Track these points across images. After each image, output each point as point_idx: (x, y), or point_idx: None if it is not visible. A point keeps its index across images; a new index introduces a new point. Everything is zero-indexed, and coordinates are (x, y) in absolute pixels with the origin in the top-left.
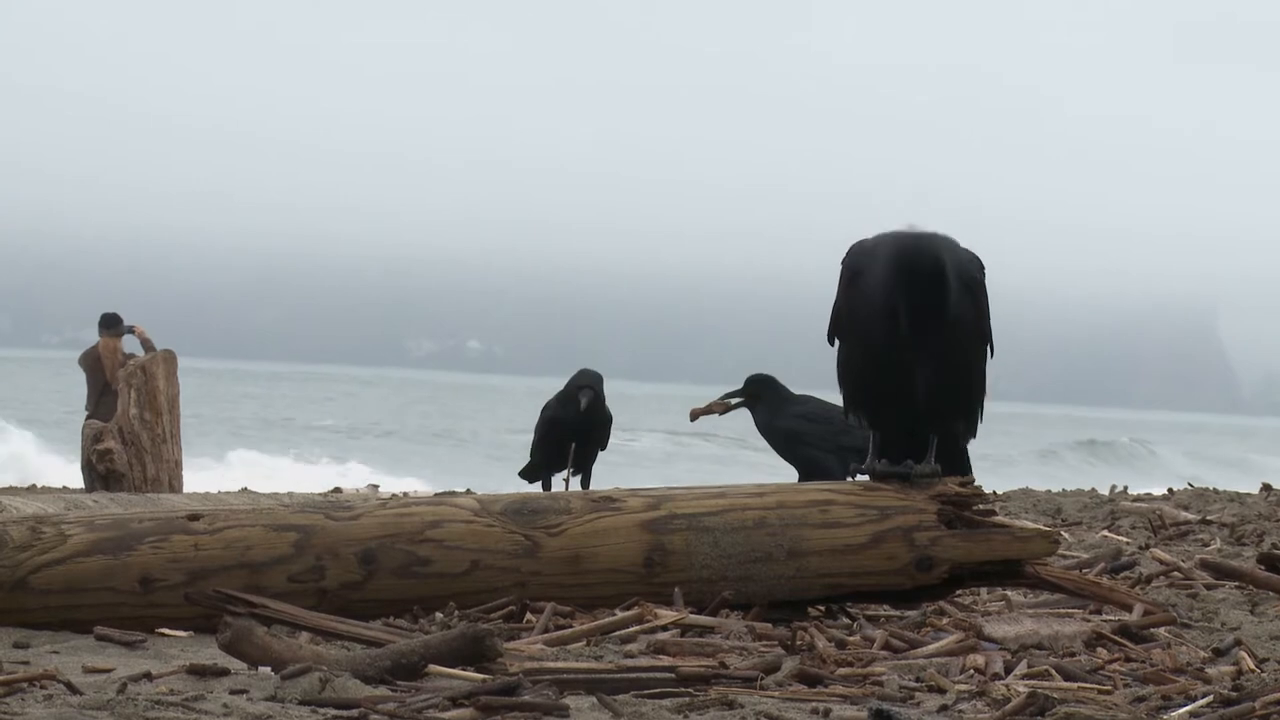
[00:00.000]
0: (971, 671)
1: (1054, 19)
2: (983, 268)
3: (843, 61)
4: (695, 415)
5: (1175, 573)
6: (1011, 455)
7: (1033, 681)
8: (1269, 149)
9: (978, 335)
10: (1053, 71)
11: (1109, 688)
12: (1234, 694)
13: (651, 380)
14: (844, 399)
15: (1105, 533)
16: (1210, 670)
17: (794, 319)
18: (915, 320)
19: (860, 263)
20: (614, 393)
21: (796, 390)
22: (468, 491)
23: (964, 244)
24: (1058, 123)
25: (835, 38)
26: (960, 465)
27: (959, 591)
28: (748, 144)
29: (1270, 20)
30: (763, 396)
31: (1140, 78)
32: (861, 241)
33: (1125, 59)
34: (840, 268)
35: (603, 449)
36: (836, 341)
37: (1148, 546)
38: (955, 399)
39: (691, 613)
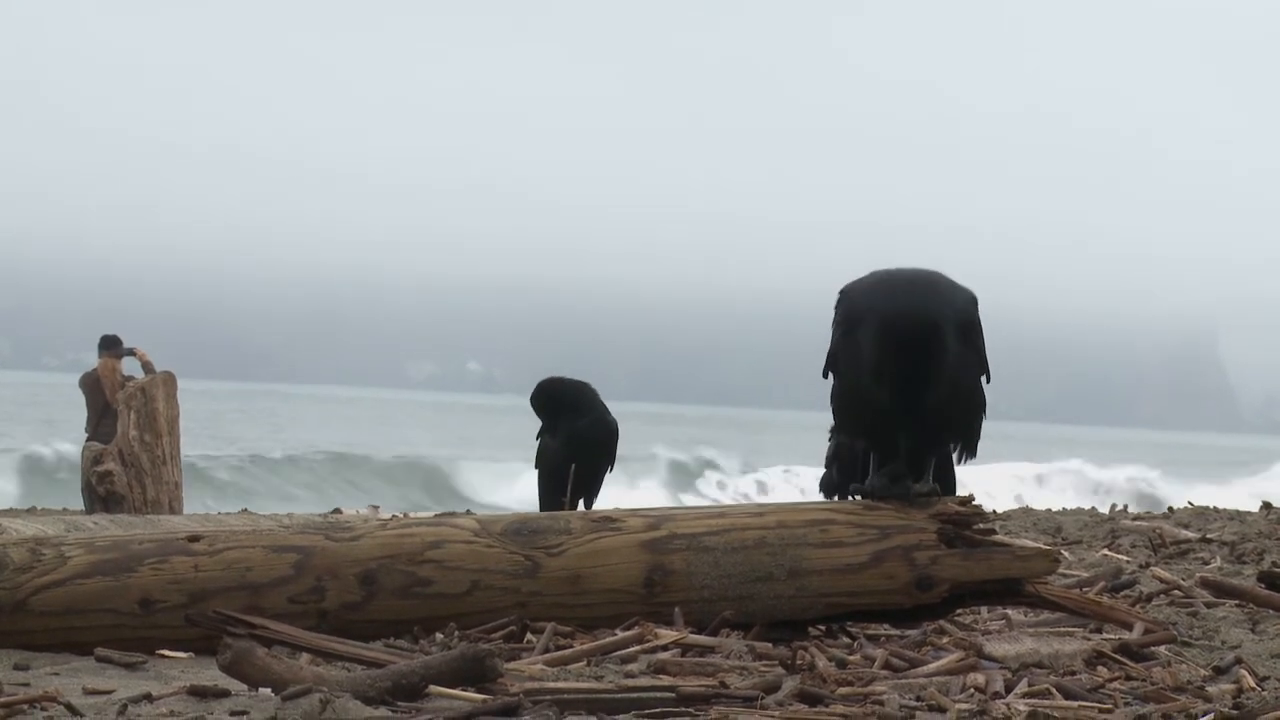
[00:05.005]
0: (972, 690)
1: (1059, 32)
2: (977, 303)
3: (868, 90)
4: None
5: (1176, 591)
6: None
7: (1033, 700)
8: (1269, 174)
9: (976, 372)
10: (1056, 87)
11: (1109, 706)
12: (1235, 712)
13: (653, 401)
14: (839, 426)
15: (1105, 551)
16: (1211, 688)
17: (794, 340)
18: (906, 395)
19: (853, 315)
20: (614, 412)
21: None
22: (468, 512)
23: (960, 263)
24: (1063, 142)
25: (864, 54)
26: (947, 484)
27: (959, 610)
28: (748, 169)
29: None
30: None
31: (1145, 95)
32: (854, 284)
33: (1127, 71)
34: (834, 310)
35: (610, 468)
36: (830, 374)
37: (1148, 565)
38: (954, 426)
39: (692, 632)
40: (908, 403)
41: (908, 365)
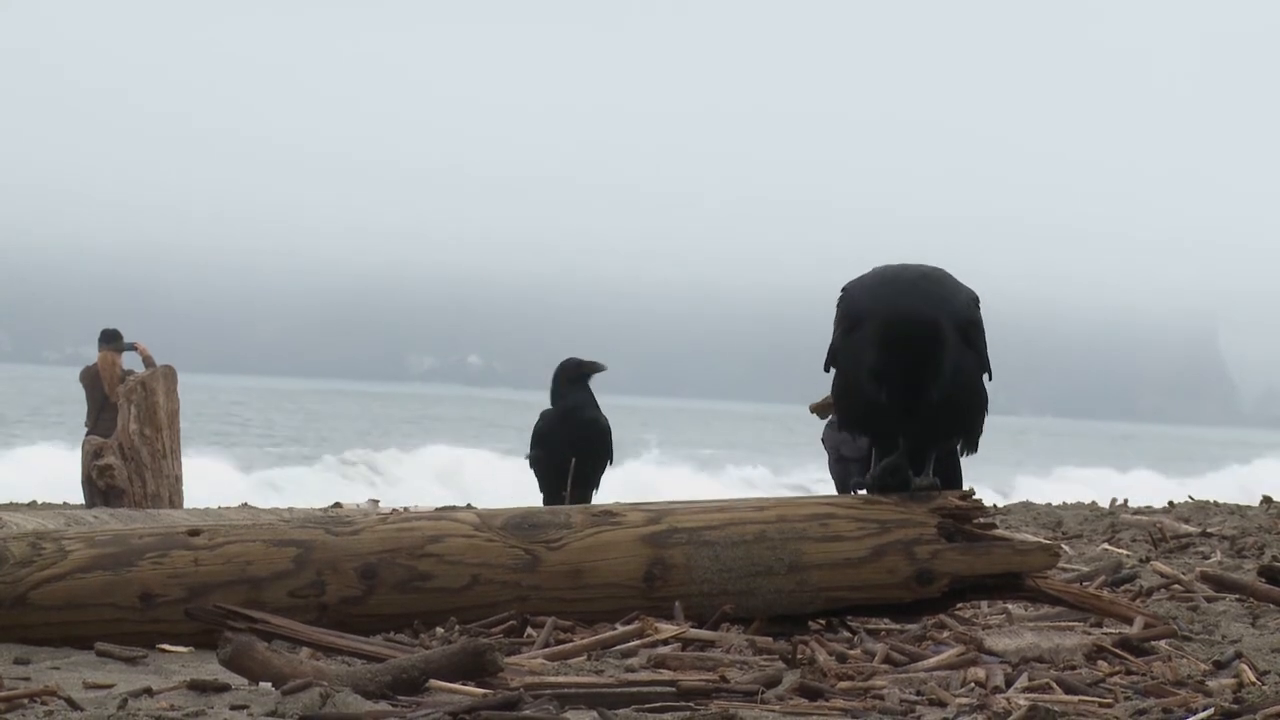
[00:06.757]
0: (972, 685)
1: (1065, 14)
2: (978, 302)
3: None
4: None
5: (1176, 585)
6: None
7: (1033, 695)
8: (1270, 164)
9: (977, 370)
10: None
11: (1110, 701)
12: (1235, 707)
13: (654, 395)
14: (840, 420)
15: (1106, 545)
16: (1211, 683)
17: (794, 334)
18: (905, 394)
19: (854, 314)
20: (615, 406)
21: None
22: (468, 506)
23: (961, 258)
24: (1065, 135)
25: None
26: (953, 480)
27: (959, 605)
28: (742, 158)
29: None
30: None
31: (1148, 88)
32: (855, 283)
33: (1128, 66)
34: (835, 308)
35: (610, 463)
36: (832, 369)
37: (1148, 559)
38: (955, 423)
39: (692, 627)
40: (907, 400)
41: (908, 364)
